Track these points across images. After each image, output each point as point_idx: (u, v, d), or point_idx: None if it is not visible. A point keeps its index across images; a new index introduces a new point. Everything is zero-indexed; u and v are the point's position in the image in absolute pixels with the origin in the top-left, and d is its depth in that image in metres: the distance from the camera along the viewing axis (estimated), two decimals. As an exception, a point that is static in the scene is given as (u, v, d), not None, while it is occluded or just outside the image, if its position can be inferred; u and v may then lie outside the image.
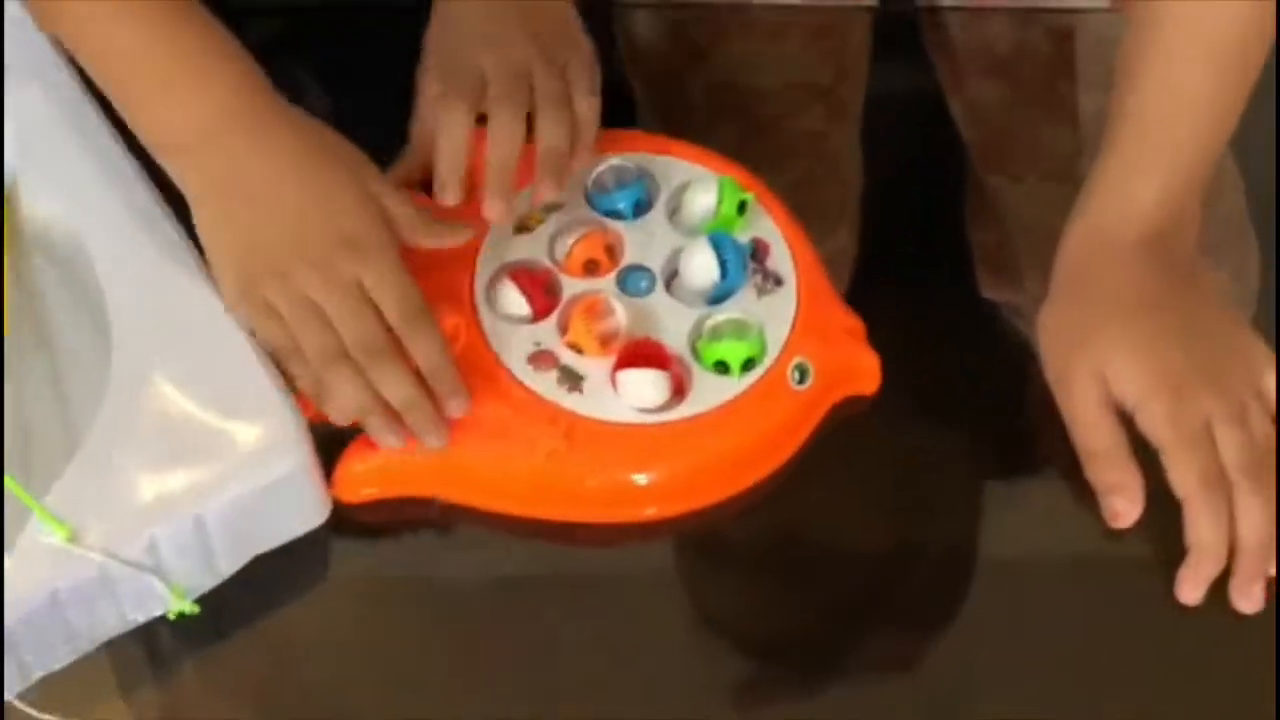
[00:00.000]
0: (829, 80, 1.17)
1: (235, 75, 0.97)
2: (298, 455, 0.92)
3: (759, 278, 1.01)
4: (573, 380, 0.98)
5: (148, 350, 0.93)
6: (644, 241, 1.02)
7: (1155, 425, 0.96)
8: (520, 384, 0.97)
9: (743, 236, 1.02)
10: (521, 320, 1.00)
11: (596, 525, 0.97)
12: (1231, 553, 0.95)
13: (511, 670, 0.94)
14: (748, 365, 0.98)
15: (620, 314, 0.98)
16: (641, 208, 1.04)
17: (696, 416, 0.97)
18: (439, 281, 0.99)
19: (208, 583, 0.92)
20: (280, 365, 0.95)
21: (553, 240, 1.02)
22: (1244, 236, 1.09)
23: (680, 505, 0.98)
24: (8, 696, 0.89)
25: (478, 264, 1.01)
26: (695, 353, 0.99)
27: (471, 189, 1.01)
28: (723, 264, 1.00)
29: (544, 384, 0.97)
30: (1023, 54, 1.16)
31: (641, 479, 0.97)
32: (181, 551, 0.90)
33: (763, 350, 0.99)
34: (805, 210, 1.05)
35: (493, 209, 0.99)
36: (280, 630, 0.95)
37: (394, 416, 0.95)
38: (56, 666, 0.90)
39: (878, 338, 1.02)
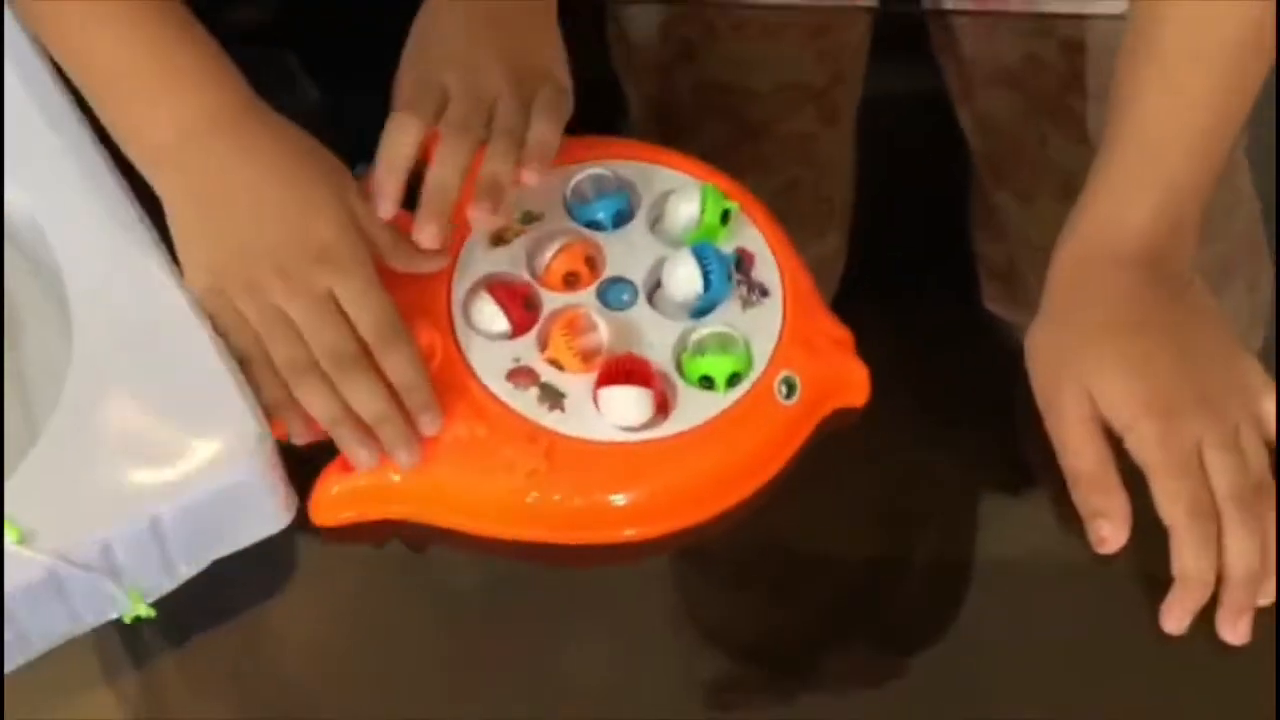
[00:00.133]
0: (822, 82, 1.14)
1: (213, 80, 0.95)
2: (257, 460, 0.90)
3: (744, 289, 0.98)
4: (553, 398, 0.95)
5: (109, 348, 0.92)
6: (625, 253, 0.99)
7: (1144, 448, 0.93)
8: (499, 402, 0.95)
9: (727, 246, 0.99)
10: (499, 336, 0.97)
11: (578, 546, 0.95)
12: (1219, 583, 0.92)
13: (493, 685, 0.92)
14: (733, 380, 0.96)
15: (602, 329, 0.96)
16: (622, 218, 1.01)
17: (681, 434, 0.94)
18: (414, 295, 0.97)
19: (165, 585, 0.91)
20: (246, 375, 0.92)
21: (531, 252, 0.99)
22: (1259, 252, 1.07)
23: (665, 525, 0.95)
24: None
25: (454, 277, 0.98)
26: (679, 367, 0.96)
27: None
28: (706, 275, 0.97)
29: (523, 402, 0.95)
30: (1034, 64, 1.14)
31: (625, 499, 0.94)
32: (137, 554, 0.88)
33: (749, 364, 0.96)
34: (793, 215, 1.03)
35: (423, 232, 0.96)
36: (258, 634, 0.94)
37: (365, 430, 0.92)
38: (9, 669, 0.89)
39: (867, 346, 0.99)
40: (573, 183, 1.01)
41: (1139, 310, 0.96)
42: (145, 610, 0.90)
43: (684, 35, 1.15)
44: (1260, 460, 0.93)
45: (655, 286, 0.99)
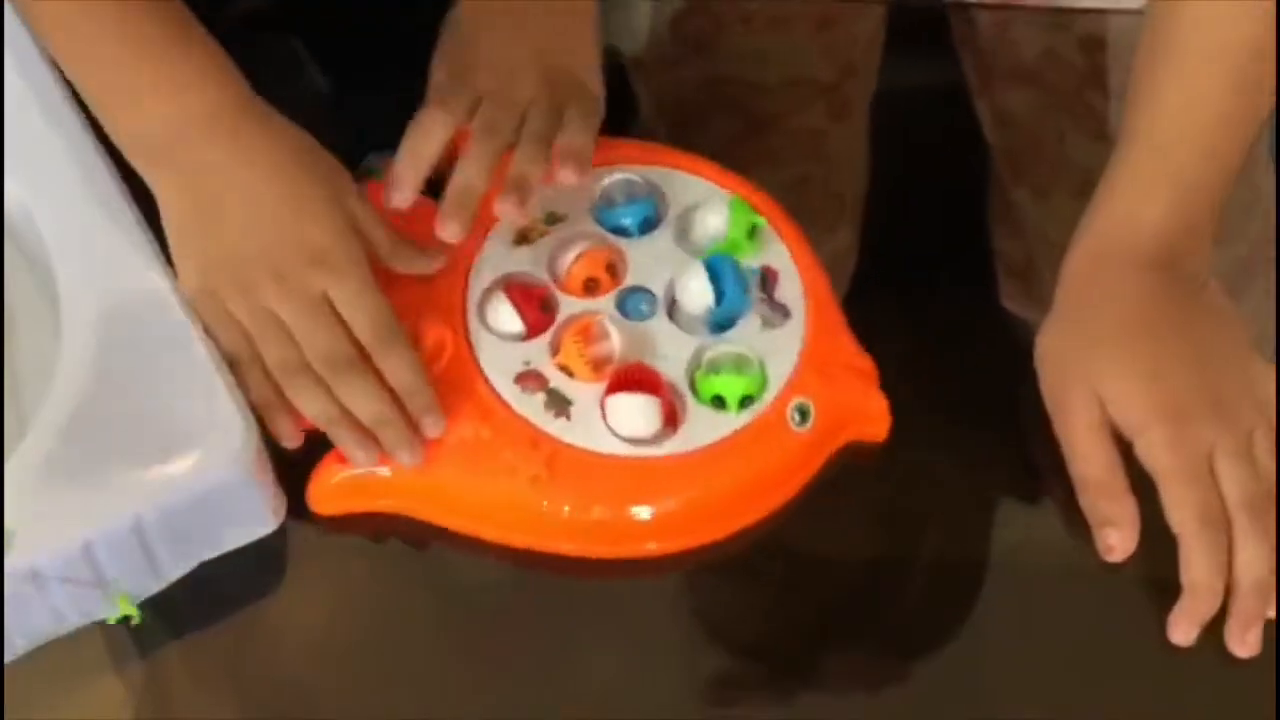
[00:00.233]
0: (833, 77, 1.12)
1: (210, 78, 0.93)
2: (244, 462, 0.88)
3: (765, 308, 0.96)
4: (560, 404, 0.93)
5: (97, 346, 0.90)
6: (648, 262, 0.97)
7: (1154, 454, 0.91)
8: (505, 404, 0.93)
9: (751, 262, 0.97)
10: (512, 337, 0.95)
11: (575, 558, 0.93)
12: (1228, 593, 0.90)
13: (487, 684, 0.91)
14: (746, 402, 0.93)
15: (615, 338, 0.94)
16: (648, 225, 0.99)
17: (687, 453, 0.92)
18: (429, 290, 0.96)
19: (151, 586, 0.89)
20: (235, 376, 0.91)
21: (553, 254, 0.97)
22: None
23: (664, 544, 0.93)
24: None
25: (472, 274, 0.96)
26: (692, 384, 0.94)
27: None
28: (719, 290, 0.94)
29: (530, 406, 0.93)
30: (1053, 60, 1.12)
31: (625, 514, 0.92)
32: (119, 554, 0.87)
33: (763, 387, 0.94)
34: (802, 210, 1.01)
35: (447, 228, 0.94)
36: (257, 627, 0.93)
37: (363, 431, 0.91)
38: (-7, 666, 0.88)
39: (878, 342, 0.97)
40: (601, 186, 0.99)
41: (1151, 312, 0.94)
42: (131, 611, 0.88)
43: (692, 29, 1.13)
44: (1273, 468, 0.91)
45: (674, 298, 0.96)
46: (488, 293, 0.96)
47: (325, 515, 0.93)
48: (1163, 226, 0.95)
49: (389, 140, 0.97)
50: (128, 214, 0.94)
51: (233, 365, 0.92)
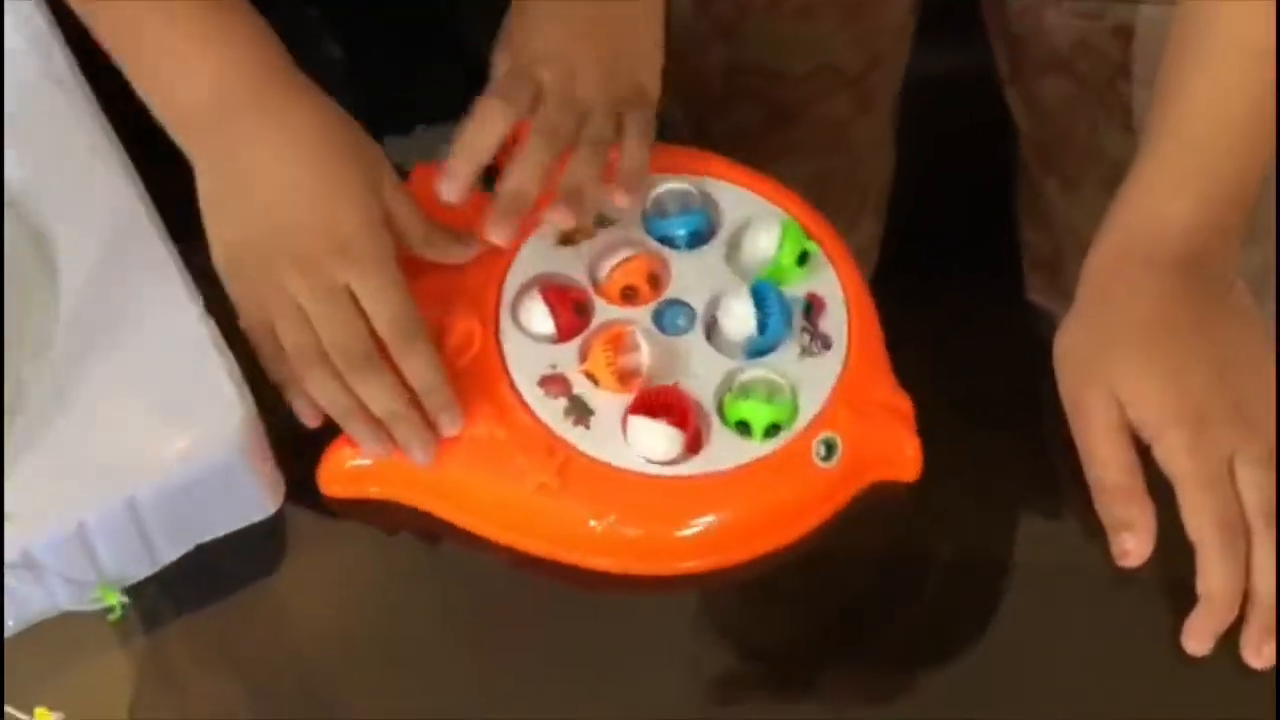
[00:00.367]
0: (859, 67, 1.10)
1: (249, 52, 0.92)
2: (241, 444, 0.87)
3: (806, 337, 0.93)
4: (581, 413, 0.90)
5: (95, 320, 0.89)
6: (692, 276, 0.95)
7: (1172, 458, 0.89)
8: (525, 406, 0.91)
9: (797, 290, 0.94)
10: (542, 338, 0.93)
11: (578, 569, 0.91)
12: (1245, 603, 0.88)
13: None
14: (772, 430, 0.91)
15: (645, 351, 0.91)
16: (699, 239, 0.96)
17: (704, 475, 0.90)
18: (465, 280, 0.94)
19: (145, 569, 0.88)
20: (257, 352, 0.90)
21: (595, 258, 0.95)
22: None
23: (671, 566, 0.91)
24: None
25: (510, 271, 0.94)
26: (720, 407, 0.91)
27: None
28: (763, 319, 0.92)
29: (550, 411, 0.91)
30: (1085, 50, 1.09)
31: (633, 532, 0.90)
32: (113, 536, 0.86)
33: (792, 417, 0.91)
34: (825, 202, 0.99)
35: (496, 230, 0.92)
36: (259, 608, 0.92)
37: (377, 422, 0.90)
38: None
39: (896, 335, 0.95)
40: (655, 193, 0.97)
41: (1174, 312, 0.92)
42: (113, 601, 0.87)
43: (717, 13, 1.10)
44: None
45: (714, 318, 0.94)
46: (523, 290, 0.94)
47: (332, 498, 0.92)
48: (1189, 225, 0.92)
49: (401, 108, 0.95)
50: (132, 188, 0.93)
51: (253, 340, 0.90)
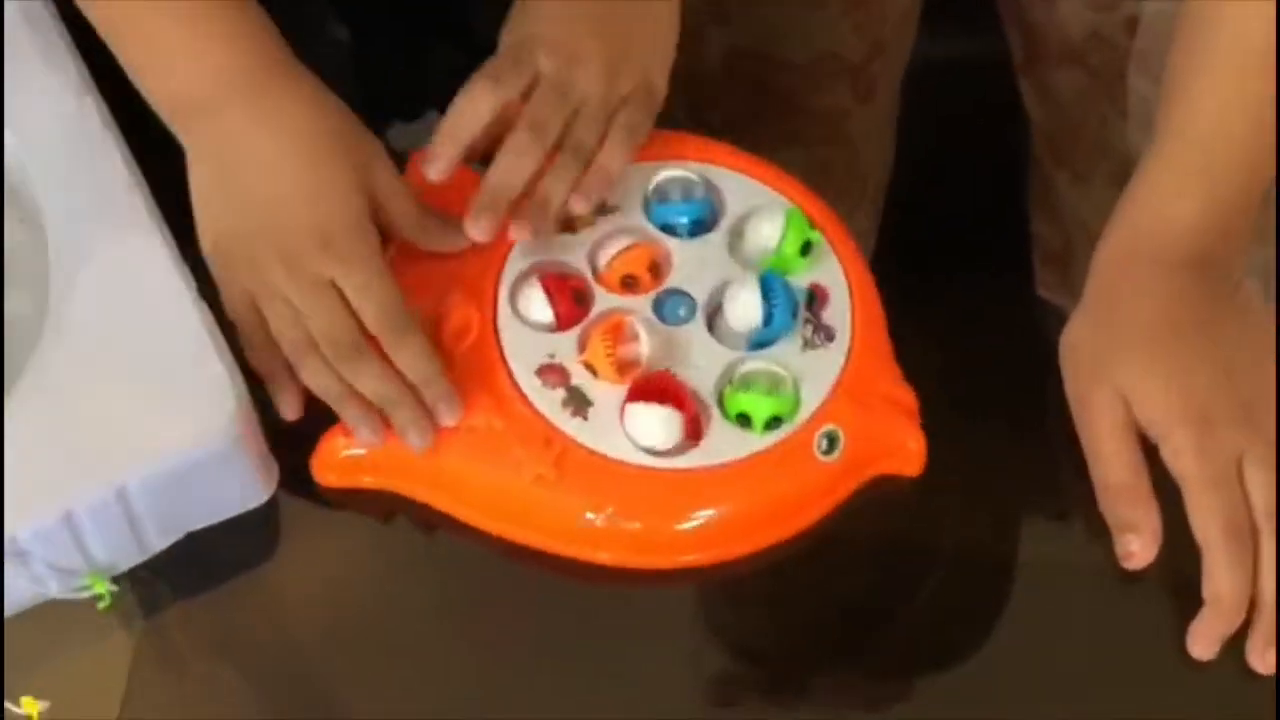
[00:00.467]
0: (860, 56, 1.08)
1: (241, 39, 0.91)
2: (233, 431, 0.86)
3: (809, 329, 0.92)
4: (579, 403, 0.89)
5: (86, 306, 0.88)
6: (694, 265, 0.93)
7: (1180, 459, 0.88)
8: (522, 396, 0.89)
9: (801, 280, 0.93)
10: (541, 327, 0.91)
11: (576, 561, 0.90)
12: (1251, 606, 0.87)
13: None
14: (773, 423, 0.89)
15: (644, 341, 0.90)
16: (701, 227, 0.95)
17: (702, 469, 0.88)
18: (462, 267, 0.93)
19: (135, 557, 0.87)
20: (242, 342, 0.89)
21: (596, 246, 0.94)
22: None
23: (669, 559, 0.89)
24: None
25: (509, 258, 0.93)
26: (720, 399, 0.90)
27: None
28: (769, 310, 0.90)
29: (547, 401, 0.89)
30: (1097, 40, 1.08)
31: (630, 525, 0.88)
32: (103, 524, 0.84)
33: (793, 410, 0.90)
34: (819, 193, 0.97)
35: (475, 226, 0.91)
36: (255, 595, 0.91)
37: (370, 409, 0.88)
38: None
39: (893, 328, 0.93)
40: (656, 180, 0.95)
41: (1182, 312, 0.91)
42: (101, 590, 0.86)
43: None
44: None
45: (716, 307, 0.92)
46: (522, 278, 0.92)
47: (327, 487, 0.91)
48: (1196, 225, 0.91)
49: (408, 93, 0.94)
50: (126, 173, 0.92)
51: (240, 332, 0.90)
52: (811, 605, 0.91)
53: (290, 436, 0.90)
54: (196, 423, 0.85)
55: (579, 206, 0.92)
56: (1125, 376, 0.89)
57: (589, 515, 0.88)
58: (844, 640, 0.91)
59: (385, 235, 0.92)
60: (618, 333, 0.90)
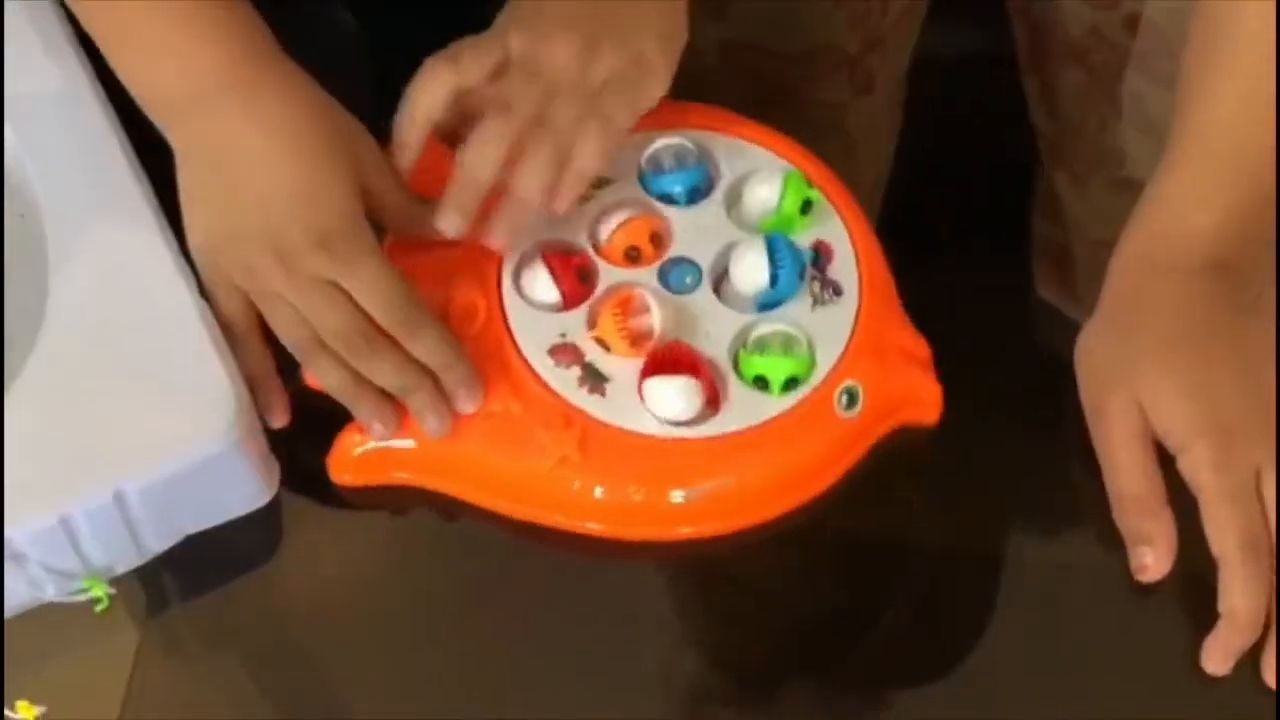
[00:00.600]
0: (856, 48, 1.07)
1: (230, 33, 0.89)
2: (232, 434, 0.84)
3: (816, 286, 0.91)
4: (595, 380, 0.88)
5: (84, 305, 0.87)
6: (694, 232, 0.92)
7: (1198, 471, 0.87)
8: (538, 378, 0.89)
9: (804, 239, 0.92)
10: (548, 307, 0.90)
11: (605, 539, 0.89)
12: (1266, 621, 0.86)
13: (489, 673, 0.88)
14: (791, 384, 0.89)
15: (656, 312, 0.89)
16: (697, 194, 0.94)
17: (726, 435, 0.88)
18: (463, 252, 0.91)
19: (133, 560, 0.86)
20: (231, 346, 0.88)
21: (595, 220, 0.93)
22: None
23: (698, 528, 0.89)
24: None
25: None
26: (735, 364, 0.89)
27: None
28: (775, 270, 0.90)
29: (563, 381, 0.88)
30: (1097, 39, 1.07)
31: (658, 497, 0.88)
32: (100, 527, 0.83)
33: (810, 369, 0.89)
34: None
35: (445, 222, 0.89)
36: (268, 593, 0.90)
37: (381, 403, 0.88)
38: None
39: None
40: (650, 150, 0.95)
41: (1204, 322, 0.89)
42: (99, 593, 0.85)
43: None
44: None
45: (722, 272, 0.92)
46: (524, 258, 0.91)
47: (345, 487, 0.90)
48: (1217, 231, 0.90)
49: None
50: (127, 169, 0.91)
51: (229, 335, 0.88)
52: (812, 605, 0.91)
53: (291, 436, 0.89)
54: (196, 424, 0.84)
55: (559, 208, 0.90)
56: (1142, 385, 0.88)
57: (617, 492, 0.87)
58: (844, 640, 0.90)
59: (379, 226, 0.91)
60: (628, 305, 0.89)
